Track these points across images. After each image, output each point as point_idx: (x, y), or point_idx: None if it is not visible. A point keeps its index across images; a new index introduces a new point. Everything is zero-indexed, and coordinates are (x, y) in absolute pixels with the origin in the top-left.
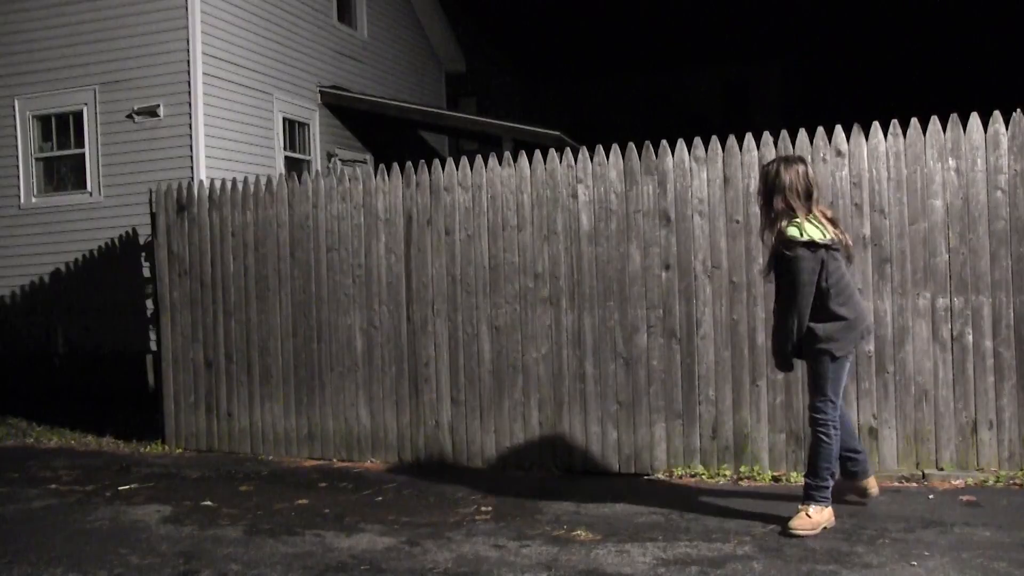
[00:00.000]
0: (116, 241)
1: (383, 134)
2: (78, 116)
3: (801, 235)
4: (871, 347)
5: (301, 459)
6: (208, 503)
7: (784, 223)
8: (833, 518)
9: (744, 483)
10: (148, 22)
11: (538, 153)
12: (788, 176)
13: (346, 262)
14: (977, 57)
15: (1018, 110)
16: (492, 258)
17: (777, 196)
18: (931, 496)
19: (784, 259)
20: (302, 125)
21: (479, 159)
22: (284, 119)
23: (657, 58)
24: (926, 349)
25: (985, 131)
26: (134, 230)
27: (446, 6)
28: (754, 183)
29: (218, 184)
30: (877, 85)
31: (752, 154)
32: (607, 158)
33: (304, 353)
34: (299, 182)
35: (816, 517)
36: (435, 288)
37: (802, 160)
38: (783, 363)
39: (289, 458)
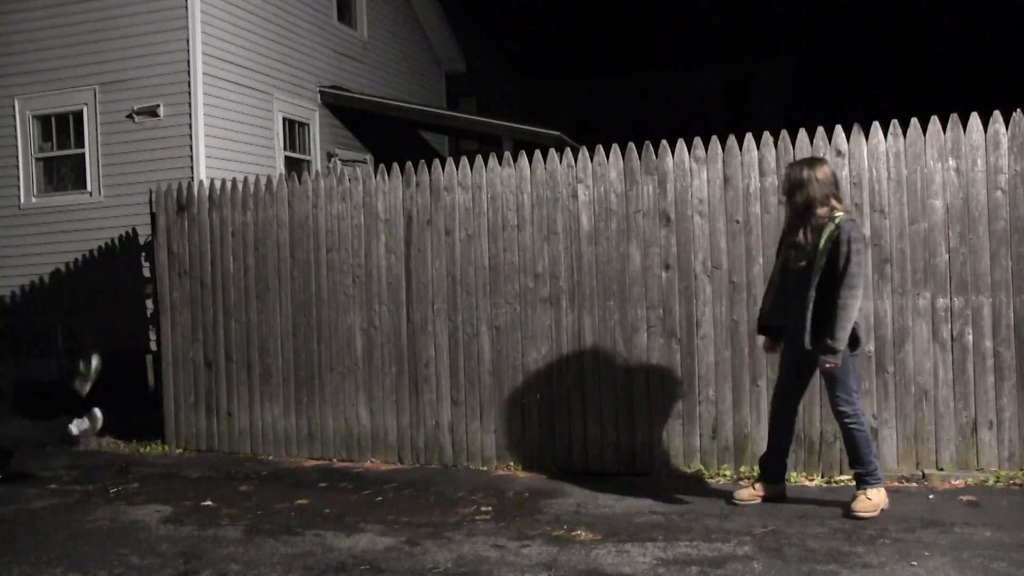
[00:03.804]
0: (116, 241)
1: (383, 134)
2: (78, 116)
3: None
4: (871, 347)
5: (301, 459)
6: (208, 503)
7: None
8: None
9: (744, 483)
10: (148, 22)
11: (538, 153)
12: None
13: (346, 262)
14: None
15: (1018, 110)
16: (492, 258)
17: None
18: (931, 496)
19: None
20: (302, 125)
21: (479, 159)
22: (284, 119)
23: (657, 58)
24: (926, 349)
25: (985, 131)
26: (134, 230)
27: (446, 6)
28: (754, 183)
29: (218, 184)
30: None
31: (752, 154)
32: (607, 158)
33: (304, 353)
34: (299, 182)
35: (875, 499)
36: (435, 288)
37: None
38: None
39: (289, 458)
